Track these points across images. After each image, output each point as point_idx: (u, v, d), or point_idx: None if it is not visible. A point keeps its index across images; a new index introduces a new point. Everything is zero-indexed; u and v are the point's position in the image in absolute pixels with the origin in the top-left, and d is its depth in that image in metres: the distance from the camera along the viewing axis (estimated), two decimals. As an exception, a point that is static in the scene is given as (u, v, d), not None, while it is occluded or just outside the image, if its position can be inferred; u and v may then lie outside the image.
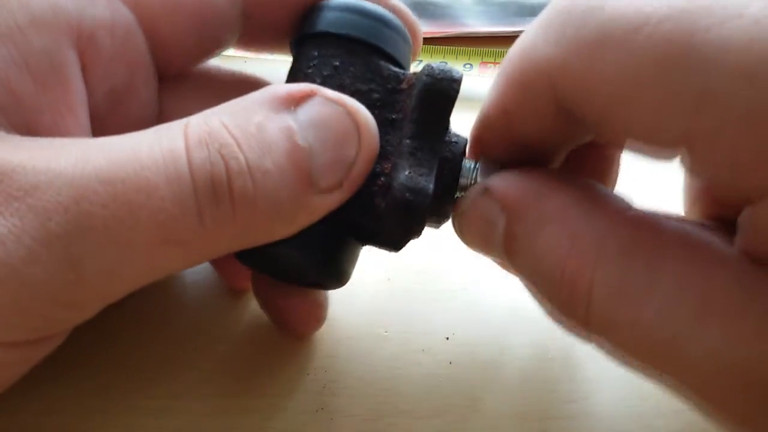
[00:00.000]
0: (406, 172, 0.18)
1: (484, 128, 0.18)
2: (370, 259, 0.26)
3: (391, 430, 0.20)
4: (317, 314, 0.22)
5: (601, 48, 0.14)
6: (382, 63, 0.19)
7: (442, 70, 0.18)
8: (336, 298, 0.24)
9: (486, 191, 0.17)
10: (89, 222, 0.14)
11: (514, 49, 0.16)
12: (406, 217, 0.18)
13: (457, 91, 0.18)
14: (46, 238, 0.14)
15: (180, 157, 0.15)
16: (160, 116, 0.21)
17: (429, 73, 0.18)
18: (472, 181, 0.19)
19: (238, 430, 0.20)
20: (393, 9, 0.20)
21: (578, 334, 0.16)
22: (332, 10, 0.19)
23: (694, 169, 0.14)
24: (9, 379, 0.17)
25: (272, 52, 0.23)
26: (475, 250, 0.19)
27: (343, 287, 0.21)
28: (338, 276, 0.20)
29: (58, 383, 0.21)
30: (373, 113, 0.18)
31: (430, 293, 0.25)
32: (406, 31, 0.20)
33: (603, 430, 0.20)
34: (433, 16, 0.39)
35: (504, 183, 0.17)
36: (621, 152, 0.20)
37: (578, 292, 0.15)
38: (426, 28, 0.39)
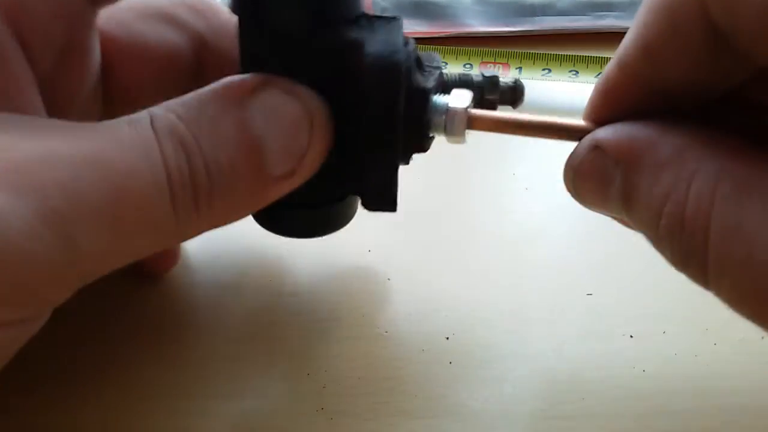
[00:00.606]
0: (373, 160, 0.19)
1: (618, 77, 0.17)
2: (370, 259, 0.26)
3: (391, 430, 0.20)
4: (172, 256, 0.24)
5: None
6: (332, 35, 0.18)
7: (385, 67, 0.18)
8: (336, 297, 0.24)
9: (596, 147, 0.17)
10: (85, 201, 0.14)
11: None
12: (383, 203, 0.20)
13: (400, 85, 0.18)
14: (47, 215, 0.14)
15: (155, 148, 0.16)
16: (107, 59, 0.20)
17: (372, 69, 0.18)
18: (443, 118, 0.19)
19: (238, 430, 0.20)
20: None
21: (701, 284, 0.15)
22: None
23: None
24: (1, 361, 0.16)
25: None
26: (591, 209, 0.18)
27: (343, 287, 0.21)
28: (340, 226, 0.22)
29: (57, 383, 0.21)
30: (328, 97, 0.18)
31: (430, 293, 0.25)
32: None
33: (602, 430, 0.20)
34: (433, 16, 0.40)
35: (614, 134, 0.16)
36: None
37: (696, 235, 0.14)
38: (426, 28, 0.39)
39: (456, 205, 0.28)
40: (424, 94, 0.19)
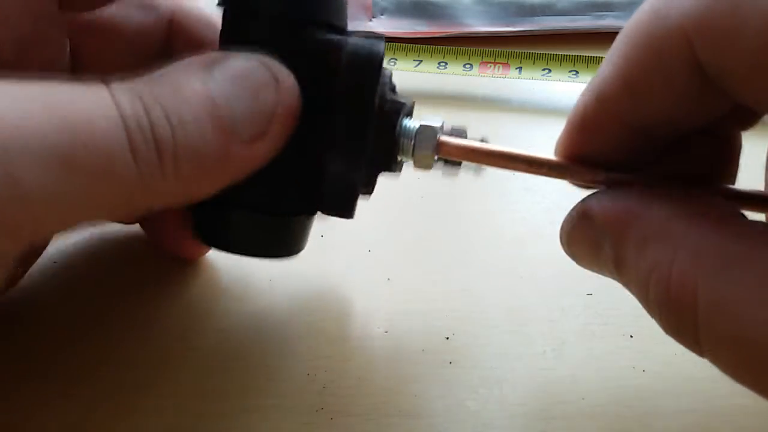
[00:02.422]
0: (338, 162, 0.19)
1: (596, 110, 0.17)
2: (370, 259, 0.26)
3: (391, 430, 0.20)
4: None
5: None
6: (312, 36, 0.18)
7: (363, 60, 0.18)
8: (336, 297, 0.24)
9: (585, 215, 0.17)
10: (30, 136, 0.14)
11: (640, 12, 0.15)
12: (341, 208, 0.20)
13: (378, 79, 0.18)
14: None
15: (106, 97, 0.15)
16: (73, 42, 0.20)
17: (351, 65, 0.18)
18: (412, 142, 0.19)
19: (238, 430, 0.20)
20: None
21: (697, 354, 0.15)
22: None
23: None
24: None
25: None
26: (588, 269, 0.18)
27: (343, 287, 0.21)
28: (288, 250, 0.21)
29: (57, 383, 0.21)
30: (302, 90, 0.18)
31: (430, 293, 0.25)
32: None
33: (602, 430, 0.20)
34: (433, 16, 0.40)
35: (601, 204, 0.17)
36: (740, 140, 0.18)
37: (684, 310, 0.14)
38: (426, 28, 0.39)
39: (456, 205, 0.28)
40: (396, 106, 0.19)
